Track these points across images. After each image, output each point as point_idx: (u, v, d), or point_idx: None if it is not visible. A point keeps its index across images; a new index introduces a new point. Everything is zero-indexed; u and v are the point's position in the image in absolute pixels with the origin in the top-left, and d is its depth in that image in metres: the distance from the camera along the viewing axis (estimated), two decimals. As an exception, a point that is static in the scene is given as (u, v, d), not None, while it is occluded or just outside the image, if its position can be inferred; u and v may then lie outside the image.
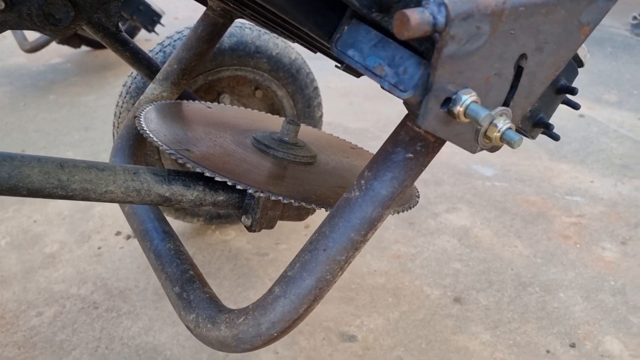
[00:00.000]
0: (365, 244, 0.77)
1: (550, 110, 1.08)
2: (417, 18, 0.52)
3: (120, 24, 1.40)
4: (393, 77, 0.63)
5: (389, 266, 1.89)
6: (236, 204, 1.02)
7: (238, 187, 0.90)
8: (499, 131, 0.67)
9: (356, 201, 0.75)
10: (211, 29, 1.37)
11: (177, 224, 2.06)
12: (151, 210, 1.15)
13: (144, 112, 1.14)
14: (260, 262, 1.91)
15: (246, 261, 1.92)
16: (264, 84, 1.90)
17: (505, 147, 2.64)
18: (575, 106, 1.10)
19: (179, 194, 0.93)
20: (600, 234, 2.07)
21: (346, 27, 0.68)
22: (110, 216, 2.20)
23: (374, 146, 2.78)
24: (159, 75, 1.40)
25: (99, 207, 2.26)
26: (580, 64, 1.08)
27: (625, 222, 2.15)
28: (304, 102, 1.97)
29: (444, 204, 2.28)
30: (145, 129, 1.02)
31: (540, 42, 0.68)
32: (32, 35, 3.91)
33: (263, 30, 1.83)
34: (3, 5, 0.95)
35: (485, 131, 0.69)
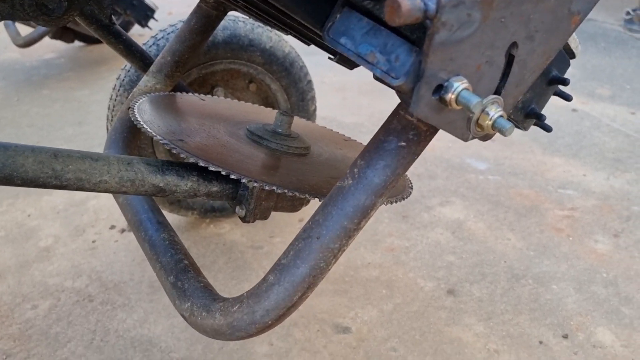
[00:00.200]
0: (359, 232, 0.78)
1: (542, 101, 1.09)
2: (408, 4, 0.53)
3: (113, 17, 1.40)
4: (385, 65, 0.63)
5: (382, 259, 1.89)
6: (230, 194, 1.02)
7: (232, 176, 0.90)
8: (490, 119, 0.68)
9: (349, 189, 0.75)
10: (204, 21, 1.37)
11: (171, 218, 2.06)
12: (145, 201, 1.16)
13: (137, 104, 1.14)
14: (254, 255, 1.92)
15: (240, 254, 1.93)
16: (257, 77, 1.90)
17: (498, 140, 2.65)
18: (567, 97, 1.11)
19: (173, 185, 0.93)
20: (592, 226, 2.09)
21: (338, 16, 0.68)
22: (104, 210, 2.20)
23: (368, 140, 2.79)
24: (152, 68, 1.40)
25: (94, 201, 2.26)
26: (571, 55, 1.08)
27: (618, 215, 2.16)
28: (298, 96, 1.98)
29: (437, 198, 2.29)
30: (139, 119, 1.02)
31: (531, 31, 0.68)
32: (24, 30, 3.89)
33: (257, 23, 1.84)
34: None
35: (477, 119, 0.70)
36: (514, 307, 1.67)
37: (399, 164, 0.74)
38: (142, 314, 1.66)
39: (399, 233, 2.04)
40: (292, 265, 0.76)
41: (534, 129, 2.70)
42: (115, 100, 1.70)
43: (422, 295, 1.73)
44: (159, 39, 1.71)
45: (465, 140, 0.74)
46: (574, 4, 0.72)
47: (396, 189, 1.12)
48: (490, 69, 0.67)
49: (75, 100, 3.49)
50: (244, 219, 1.05)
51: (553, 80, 1.05)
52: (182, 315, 0.89)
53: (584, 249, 1.94)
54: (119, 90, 1.69)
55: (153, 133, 0.96)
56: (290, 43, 1.93)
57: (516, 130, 1.19)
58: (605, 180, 2.43)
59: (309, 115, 2.04)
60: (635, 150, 2.74)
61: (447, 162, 2.59)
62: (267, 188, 0.92)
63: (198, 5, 1.37)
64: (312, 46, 1.22)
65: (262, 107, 1.59)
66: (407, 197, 1.11)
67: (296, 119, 1.53)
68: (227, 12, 1.38)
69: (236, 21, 1.79)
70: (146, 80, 1.39)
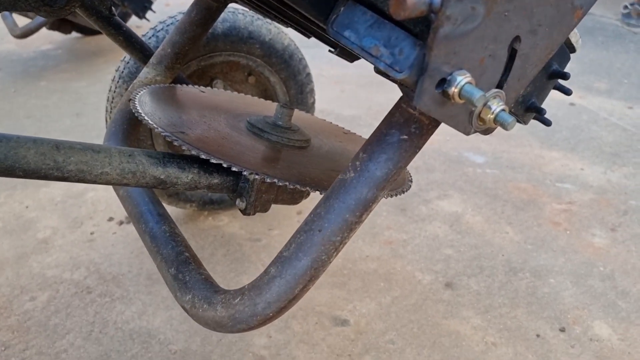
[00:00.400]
0: (360, 225, 0.78)
1: (542, 95, 1.09)
2: (413, -2, 0.53)
3: (113, 8, 1.39)
4: (389, 58, 0.64)
5: (380, 252, 1.90)
6: (230, 187, 1.02)
7: (233, 169, 0.91)
8: (492, 113, 0.68)
9: (351, 182, 0.75)
10: (205, 13, 1.37)
11: (170, 210, 2.06)
12: (145, 193, 1.16)
13: (138, 96, 1.14)
14: (253, 248, 1.92)
15: (239, 246, 1.93)
16: (257, 69, 1.90)
17: (496, 134, 2.65)
18: (566, 92, 1.11)
19: (174, 177, 0.93)
20: (590, 220, 2.09)
21: (342, 9, 0.68)
22: (102, 202, 2.20)
23: (366, 133, 2.79)
24: (152, 60, 1.40)
25: (91, 193, 2.26)
26: (572, 49, 1.08)
27: (615, 209, 2.17)
28: (297, 88, 1.98)
29: (435, 191, 2.29)
30: (140, 111, 1.02)
31: (534, 25, 0.69)
32: (22, 21, 3.88)
33: (256, 15, 1.83)
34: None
35: (479, 113, 0.70)
36: (512, 301, 1.68)
37: (400, 157, 0.75)
38: (140, 306, 1.67)
39: (397, 226, 2.04)
40: (294, 257, 0.77)
41: (531, 123, 2.71)
42: (115, 92, 1.70)
43: (420, 288, 1.73)
44: (159, 31, 1.71)
45: (467, 134, 0.74)
46: (577, -1, 0.72)
47: (396, 182, 1.12)
48: (493, 62, 0.67)
49: (73, 92, 3.48)
50: (244, 212, 1.05)
51: (553, 75, 1.05)
52: (183, 308, 0.89)
53: (581, 243, 1.95)
54: (118, 82, 1.69)
55: (154, 125, 0.96)
56: (290, 35, 1.93)
57: (515, 124, 1.19)
58: (603, 174, 2.44)
59: (308, 107, 2.04)
60: (633, 144, 2.75)
61: (445, 155, 2.59)
62: (268, 181, 0.92)
63: (198, -3, 1.37)
64: (311, 38, 1.22)
65: (262, 99, 1.59)
66: (407, 191, 1.11)
67: (296, 112, 1.53)
68: (228, 4, 1.38)
69: (236, 13, 1.78)
70: (146, 72, 1.39)
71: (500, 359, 1.48)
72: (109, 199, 2.21)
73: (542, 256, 1.88)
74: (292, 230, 2.01)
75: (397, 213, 2.12)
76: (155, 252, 1.01)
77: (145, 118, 0.99)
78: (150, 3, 3.96)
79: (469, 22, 0.60)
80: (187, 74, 1.76)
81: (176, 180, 0.94)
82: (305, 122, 1.47)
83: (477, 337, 1.55)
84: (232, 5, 1.78)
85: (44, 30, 4.00)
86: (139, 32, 4.10)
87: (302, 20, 0.98)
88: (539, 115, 1.08)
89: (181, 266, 0.94)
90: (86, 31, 4.53)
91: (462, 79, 0.62)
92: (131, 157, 0.89)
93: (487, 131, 0.79)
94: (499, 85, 0.72)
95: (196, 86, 1.45)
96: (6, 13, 3.81)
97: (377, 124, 2.93)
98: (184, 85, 1.41)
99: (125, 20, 4.49)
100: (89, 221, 2.08)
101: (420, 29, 0.65)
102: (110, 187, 2.05)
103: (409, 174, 1.25)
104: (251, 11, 1.79)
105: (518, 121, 1.08)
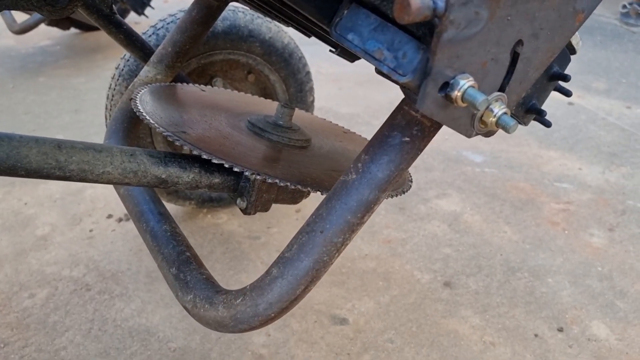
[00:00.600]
0: (362, 226, 0.78)
1: (543, 97, 1.09)
2: (417, 2, 0.53)
3: (114, 6, 1.39)
4: (392, 61, 0.64)
5: (379, 250, 1.90)
6: (231, 186, 1.03)
7: (235, 169, 0.91)
8: (494, 116, 0.69)
9: (353, 184, 0.76)
10: (205, 11, 1.37)
11: (169, 207, 2.06)
12: (146, 192, 1.16)
13: (139, 95, 1.14)
14: (252, 246, 1.92)
15: (238, 244, 1.93)
16: (256, 68, 1.90)
17: (495, 133, 2.67)
18: (567, 93, 1.12)
19: (175, 176, 0.93)
20: (588, 220, 2.10)
21: (346, 11, 0.69)
22: (101, 199, 2.20)
23: (364, 131, 2.79)
24: (153, 58, 1.40)
25: (90, 190, 2.26)
26: (572, 51, 1.09)
27: (613, 209, 2.18)
28: (296, 87, 1.98)
29: (434, 190, 2.30)
30: (141, 111, 1.02)
31: (536, 29, 0.69)
32: (20, 17, 3.87)
33: (256, 14, 1.83)
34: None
35: (481, 116, 0.71)
36: (510, 300, 1.69)
37: (402, 159, 0.75)
38: (139, 304, 1.67)
39: (395, 225, 2.05)
40: (296, 258, 0.77)
41: (530, 123, 2.71)
42: (114, 89, 1.70)
43: (418, 287, 1.74)
44: (159, 29, 1.70)
45: (469, 136, 0.74)
46: (579, 2, 0.72)
47: (397, 182, 1.12)
48: (496, 66, 0.68)
49: (72, 88, 3.48)
50: (245, 211, 1.05)
51: (554, 76, 1.06)
52: (185, 307, 0.90)
53: (579, 243, 1.96)
54: (118, 79, 1.69)
55: (156, 125, 0.97)
56: (290, 34, 1.93)
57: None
58: (601, 174, 2.44)
59: (307, 106, 2.04)
60: (631, 144, 2.76)
61: (444, 154, 2.60)
62: (269, 181, 0.92)
63: (199, -4, 1.36)
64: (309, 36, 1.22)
65: (262, 98, 1.59)
66: (407, 191, 1.11)
67: (296, 111, 1.53)
68: (228, 2, 1.38)
69: (236, 12, 1.78)
70: (147, 71, 1.39)
71: (499, 358, 1.49)
72: (108, 197, 2.21)
73: (540, 256, 1.89)
74: (291, 228, 2.02)
75: (396, 212, 2.13)
76: (156, 252, 1.01)
77: (147, 117, 1.00)
78: (149, 0, 3.96)
79: (472, 27, 0.60)
80: (187, 72, 1.76)
81: (177, 179, 0.94)
82: (305, 121, 1.48)
83: (476, 336, 1.55)
84: (232, 3, 1.78)
85: (42, 26, 4.00)
86: (137, 29, 4.10)
87: (303, 21, 0.98)
88: (540, 116, 1.08)
89: (182, 266, 0.95)
90: (85, 27, 4.52)
91: (465, 83, 0.62)
92: (133, 157, 0.89)
93: (488, 134, 0.79)
94: (501, 89, 0.72)
95: (197, 85, 1.45)
96: (5, 9, 3.80)
97: (375, 122, 2.93)
98: (185, 84, 1.41)
99: (124, 17, 4.48)
100: (88, 218, 2.08)
101: (422, 32, 0.65)
102: (110, 185, 2.05)
103: (409, 173, 1.25)
104: (251, 10, 1.79)
105: (519, 123, 1.08)
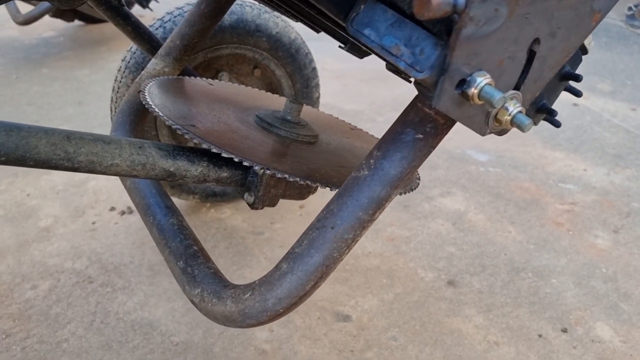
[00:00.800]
0: (373, 223, 0.78)
1: (553, 97, 1.08)
2: (438, -2, 0.53)
3: (122, -2, 1.39)
4: (409, 57, 0.63)
5: (383, 248, 1.90)
6: (239, 181, 1.02)
7: (244, 163, 0.90)
8: (509, 114, 0.68)
9: (365, 180, 0.75)
10: (214, 5, 1.36)
11: (172, 201, 2.06)
12: (153, 185, 1.15)
13: (147, 87, 1.13)
14: (255, 241, 1.92)
15: (241, 239, 1.93)
16: (263, 62, 1.89)
17: (507, 132, 2.67)
18: (577, 93, 1.11)
19: (184, 169, 0.93)
20: (592, 221, 2.09)
21: (363, 6, 0.68)
22: (104, 191, 2.20)
23: (369, 128, 2.79)
24: (161, 51, 1.40)
25: (93, 182, 2.25)
26: (584, 51, 1.08)
27: (617, 210, 2.17)
28: (302, 82, 1.97)
29: (438, 188, 2.29)
30: (150, 103, 1.01)
31: (554, 27, 0.68)
32: (24, 8, 3.86)
33: (264, 8, 1.83)
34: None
35: (496, 114, 0.70)
36: (514, 300, 1.68)
37: (415, 156, 0.74)
38: (142, 297, 1.66)
39: (399, 223, 2.04)
40: (306, 254, 0.76)
41: (535, 123, 2.70)
42: (120, 81, 1.69)
43: (422, 285, 1.73)
44: (166, 22, 1.70)
45: (483, 134, 0.74)
46: (596, 2, 0.72)
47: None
48: (512, 64, 0.67)
49: (75, 80, 3.47)
50: (252, 206, 1.05)
51: (565, 76, 1.05)
52: (192, 301, 0.89)
53: (583, 244, 1.95)
54: (124, 72, 1.68)
55: (166, 118, 0.96)
56: (296, 29, 1.92)
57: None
58: (606, 176, 2.44)
59: (313, 102, 2.04)
60: (636, 146, 2.75)
61: (449, 152, 2.59)
62: (279, 176, 0.92)
63: (209, -11, 1.36)
64: (313, 32, 1.21)
65: (269, 93, 1.58)
66: (415, 188, 1.11)
67: (303, 107, 1.53)
68: (238, -4, 1.38)
69: (243, 6, 1.78)
70: (154, 63, 1.39)
71: (502, 358, 1.48)
72: (111, 189, 2.21)
73: (544, 256, 1.88)
74: (294, 224, 2.01)
75: (400, 209, 2.12)
76: (163, 245, 1.00)
77: (156, 110, 0.99)
78: (154, -7, 3.95)
79: (491, 24, 0.59)
80: (193, 65, 1.76)
81: (185, 173, 0.93)
82: (311, 117, 1.47)
83: (480, 336, 1.55)
84: (240, -3, 1.77)
85: (46, 17, 3.99)
86: (142, 21, 4.09)
87: (315, 16, 0.97)
88: (550, 116, 1.08)
89: (190, 259, 0.94)
90: (89, 19, 4.51)
91: (482, 80, 0.62)
92: (141, 149, 0.88)
93: (501, 132, 0.78)
94: (516, 87, 0.72)
95: (204, 78, 1.44)
96: (10, -1, 3.79)
97: (380, 119, 2.93)
98: (192, 77, 1.40)
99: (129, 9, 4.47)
100: (91, 210, 2.08)
101: (438, 28, 0.65)
102: (113, 177, 2.05)
103: (417, 171, 1.24)
104: (259, 4, 1.79)
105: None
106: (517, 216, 2.11)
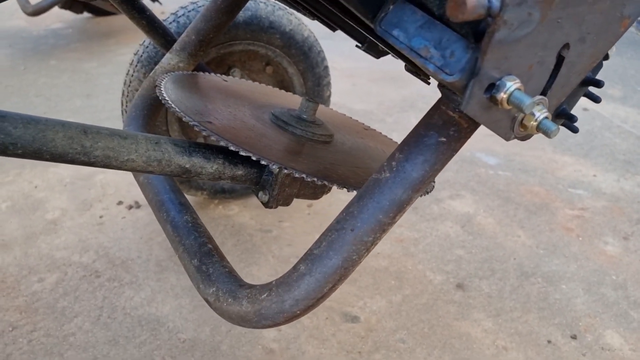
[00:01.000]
0: (393, 226, 0.77)
1: (573, 102, 1.07)
2: (473, 0, 0.52)
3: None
4: (439, 60, 0.62)
5: (392, 249, 1.89)
6: (254, 179, 1.01)
7: (262, 162, 0.89)
8: (536, 120, 0.67)
9: (386, 182, 0.74)
10: (231, 0, 1.35)
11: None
12: (166, 181, 1.14)
13: (163, 82, 1.12)
14: (263, 239, 1.91)
15: (249, 237, 1.92)
16: (275, 59, 1.89)
17: (531, 137, 2.66)
18: (595, 99, 1.10)
19: (199, 166, 0.92)
20: (602, 228, 2.08)
21: (392, 7, 0.67)
22: (112, 185, 2.19)
23: (379, 129, 2.78)
24: (176, 46, 1.39)
25: (101, 176, 2.25)
26: (606, 57, 1.07)
27: (628, 217, 2.16)
28: (314, 81, 1.96)
29: (447, 190, 2.28)
30: (167, 99, 1.01)
31: (584, 33, 0.67)
32: (34, -2, 3.86)
33: (278, 5, 1.82)
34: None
35: (522, 119, 0.69)
36: (523, 305, 1.67)
37: (437, 159, 0.73)
38: (149, 293, 1.66)
39: (408, 224, 2.03)
40: (325, 256, 0.75)
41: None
42: (132, 75, 1.69)
43: (431, 288, 1.72)
44: (180, 16, 1.69)
45: (507, 139, 0.73)
46: (627, 8, 0.71)
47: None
48: (541, 69, 0.66)
49: (83, 72, 3.46)
50: (266, 205, 1.04)
51: (586, 82, 1.04)
52: (206, 300, 0.88)
53: (593, 250, 1.94)
54: (136, 66, 1.68)
55: (182, 113, 0.95)
56: (310, 27, 1.91)
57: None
58: (616, 182, 2.42)
59: (324, 101, 2.03)
60: (646, 153, 2.74)
61: (458, 155, 2.58)
62: (297, 175, 0.91)
63: (225, -16, 1.35)
64: (323, 31, 1.20)
65: (282, 91, 1.57)
66: (430, 191, 1.10)
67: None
68: (255, -8, 1.37)
69: (257, 2, 1.77)
70: (169, 58, 1.38)
71: (511, 363, 1.48)
72: (119, 183, 2.20)
73: (554, 262, 1.87)
74: (302, 223, 2.00)
75: (409, 211, 2.11)
76: (177, 242, 0.99)
77: (173, 106, 0.98)
78: (165, -14, 3.94)
79: (524, 28, 0.58)
80: (206, 61, 1.75)
81: (201, 170, 0.93)
82: (325, 116, 1.46)
83: (488, 340, 1.54)
84: (254, -7, 1.76)
85: (54, 8, 3.98)
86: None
87: (336, 14, 0.96)
88: (570, 121, 1.07)
89: (204, 258, 0.93)
90: (97, 12, 4.51)
91: (512, 85, 0.61)
92: (157, 145, 0.87)
93: (525, 137, 0.77)
94: (543, 92, 0.71)
95: (218, 75, 1.43)
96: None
97: (389, 119, 2.92)
98: (206, 73, 1.39)
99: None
100: (98, 204, 2.07)
101: (466, 30, 0.64)
102: (121, 171, 2.04)
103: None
104: (274, 0, 1.78)
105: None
106: (527, 220, 2.09)
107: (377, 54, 1.21)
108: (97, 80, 3.34)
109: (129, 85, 1.70)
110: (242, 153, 0.89)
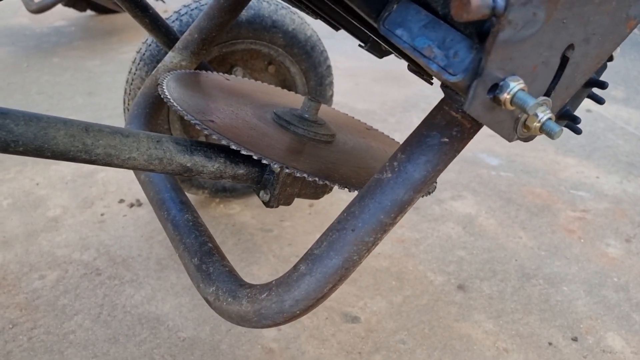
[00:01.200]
0: (394, 227, 0.77)
1: (576, 103, 1.07)
2: (478, 0, 0.51)
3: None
4: (442, 60, 0.62)
5: (393, 250, 1.88)
6: (255, 178, 1.01)
7: (264, 161, 0.89)
8: (539, 121, 0.67)
9: (388, 183, 0.74)
10: (234, -1, 1.35)
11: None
12: (168, 179, 1.14)
13: (165, 81, 1.12)
14: (264, 238, 1.91)
15: (250, 236, 1.91)
16: (277, 59, 1.88)
17: (534, 138, 2.65)
18: (599, 101, 1.09)
19: (200, 165, 0.92)
20: (604, 230, 2.07)
21: (395, 6, 0.66)
22: (113, 183, 2.19)
23: (380, 129, 2.77)
24: (178, 44, 1.38)
25: (102, 174, 2.24)
26: (610, 58, 1.06)
27: (630, 219, 2.15)
28: (316, 80, 1.96)
29: (449, 191, 2.27)
30: (169, 97, 1.00)
31: (589, 33, 0.67)
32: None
33: (280, 4, 1.81)
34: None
35: (525, 120, 0.69)
36: (524, 307, 1.67)
37: (440, 160, 0.73)
38: (149, 291, 1.65)
39: (409, 225, 2.03)
40: (325, 256, 0.75)
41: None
42: (135, 74, 1.68)
43: (431, 288, 1.72)
44: (182, 15, 1.68)
45: (510, 140, 0.72)
46: (633, 9, 0.70)
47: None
48: (545, 70, 0.66)
49: (86, 70, 3.46)
50: (267, 204, 1.04)
51: (590, 83, 1.03)
52: (206, 299, 0.88)
53: (595, 252, 1.93)
54: (138, 64, 1.67)
55: (184, 112, 0.95)
56: (312, 26, 1.91)
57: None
58: (619, 184, 2.41)
59: (326, 100, 2.02)
60: (649, 155, 2.73)
61: (460, 155, 2.57)
62: (298, 175, 0.91)
63: (229, -17, 1.34)
64: (325, 30, 1.19)
65: (284, 90, 1.57)
66: (432, 192, 1.09)
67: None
68: (258, -9, 1.36)
69: (260, 1, 1.76)
70: (172, 57, 1.37)
71: (511, 365, 1.47)
72: (120, 180, 2.20)
73: (555, 263, 1.86)
74: (304, 222, 2.00)
75: (410, 211, 2.11)
76: (177, 241, 0.99)
77: (175, 104, 0.98)
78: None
79: (528, 28, 0.58)
80: (208, 60, 1.74)
81: (202, 168, 0.92)
82: (327, 115, 1.46)
83: (489, 342, 1.53)
84: (257, -8, 1.76)
85: (57, 6, 3.98)
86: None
87: (340, 13, 0.95)
88: (573, 123, 1.06)
89: (205, 257, 0.93)
90: (100, 9, 4.51)
91: (516, 86, 0.61)
92: (159, 144, 0.87)
93: (528, 139, 0.77)
94: (547, 93, 0.70)
95: (220, 73, 1.43)
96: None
97: (391, 119, 2.91)
98: (209, 72, 1.39)
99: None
100: (100, 202, 2.07)
101: (470, 30, 0.63)
102: (122, 169, 2.04)
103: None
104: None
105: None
106: (529, 222, 2.09)
107: (380, 53, 1.21)
108: (99, 78, 3.34)
109: (132, 84, 1.70)
110: (244, 152, 0.88)
